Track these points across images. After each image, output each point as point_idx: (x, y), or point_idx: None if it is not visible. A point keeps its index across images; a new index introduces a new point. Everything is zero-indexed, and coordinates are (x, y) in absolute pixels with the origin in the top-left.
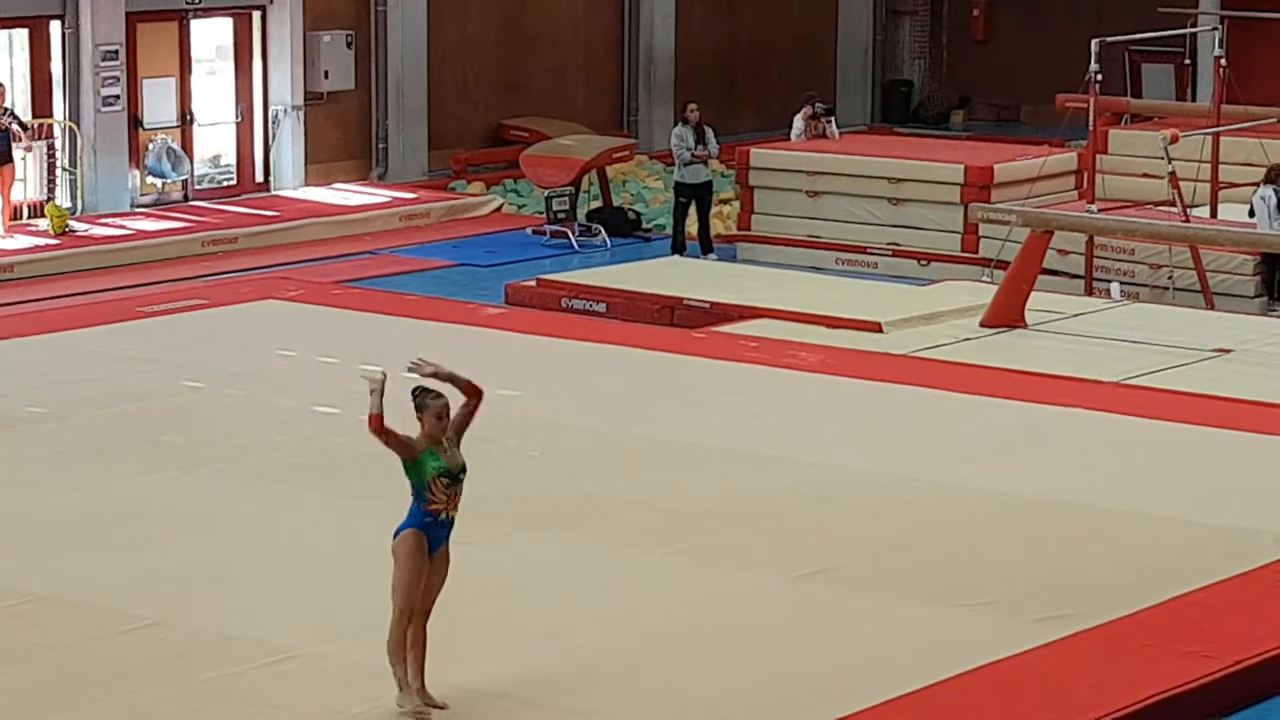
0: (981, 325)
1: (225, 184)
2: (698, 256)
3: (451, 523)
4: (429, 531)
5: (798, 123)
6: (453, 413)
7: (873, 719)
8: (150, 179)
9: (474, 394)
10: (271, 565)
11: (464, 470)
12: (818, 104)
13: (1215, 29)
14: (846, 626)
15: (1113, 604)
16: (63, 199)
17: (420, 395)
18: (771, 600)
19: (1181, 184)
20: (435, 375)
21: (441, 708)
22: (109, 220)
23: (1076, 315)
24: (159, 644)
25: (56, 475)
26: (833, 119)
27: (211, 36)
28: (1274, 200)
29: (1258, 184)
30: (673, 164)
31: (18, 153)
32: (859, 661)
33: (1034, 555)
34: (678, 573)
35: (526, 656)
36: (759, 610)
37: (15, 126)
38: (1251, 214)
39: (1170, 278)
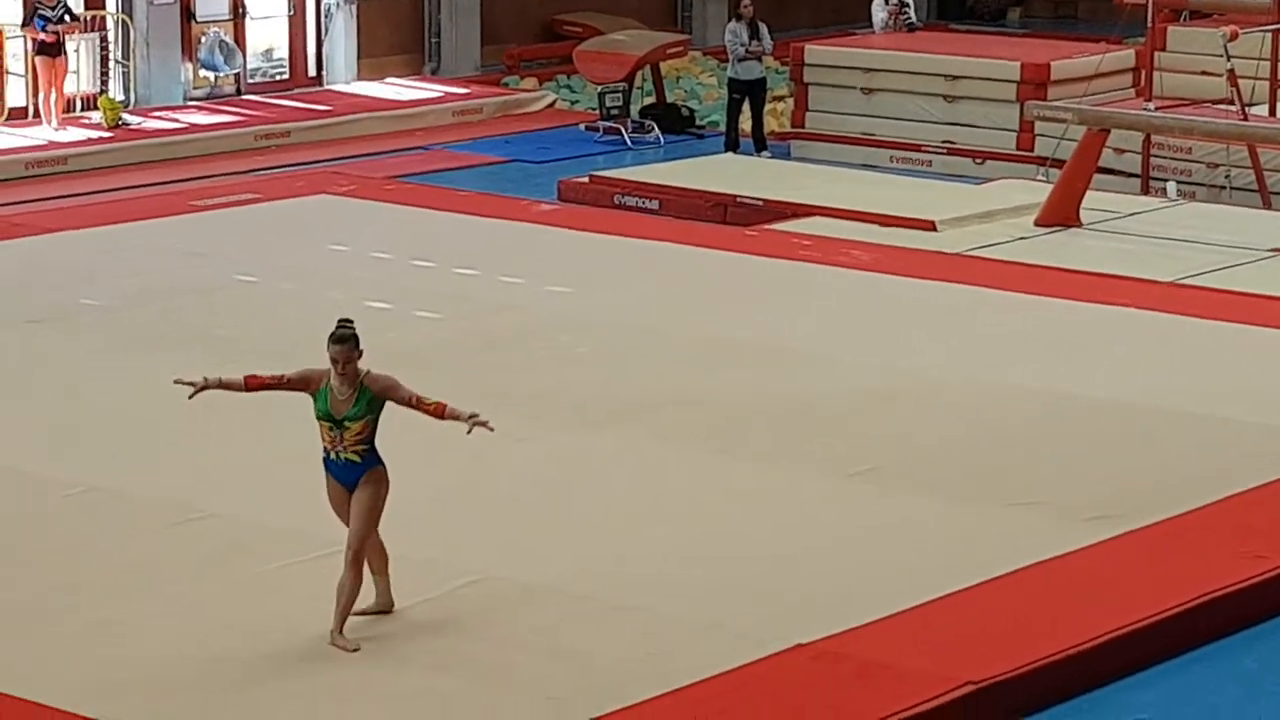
0: (1036, 224)
1: (277, 78)
2: (751, 154)
3: (351, 463)
4: (328, 469)
5: (878, 13)
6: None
7: (921, 616)
8: (203, 72)
9: (434, 413)
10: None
11: (355, 419)
12: None
13: None
14: (896, 525)
15: (1165, 504)
16: (115, 92)
17: (337, 327)
18: (821, 499)
19: (1240, 82)
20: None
21: (353, 650)
22: (161, 113)
23: (1132, 214)
24: (212, 536)
25: (110, 368)
26: (911, 6)
27: None
28: None
29: None
30: (726, 60)
31: (70, 44)
32: (908, 559)
33: (1086, 455)
34: (727, 470)
35: (571, 550)
36: (808, 508)
37: (66, 19)
38: None
39: (1227, 177)
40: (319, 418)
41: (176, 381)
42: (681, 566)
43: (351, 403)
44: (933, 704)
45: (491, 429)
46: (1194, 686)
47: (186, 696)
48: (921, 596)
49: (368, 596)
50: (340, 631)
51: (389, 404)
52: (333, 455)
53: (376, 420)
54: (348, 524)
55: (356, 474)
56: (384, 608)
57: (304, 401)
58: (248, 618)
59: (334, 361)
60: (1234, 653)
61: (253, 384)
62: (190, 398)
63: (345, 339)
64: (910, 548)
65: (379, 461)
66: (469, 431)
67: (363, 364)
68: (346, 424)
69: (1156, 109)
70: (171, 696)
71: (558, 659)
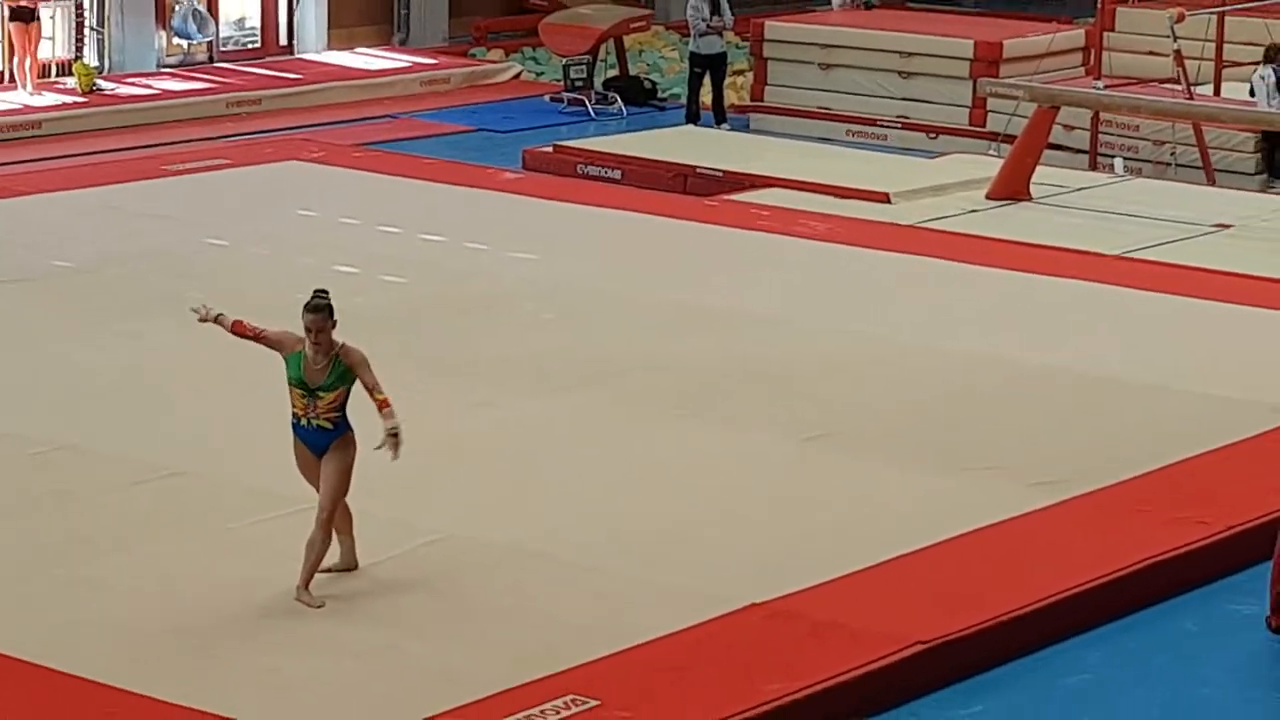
0: (987, 198)
1: (249, 46)
2: (711, 126)
3: (323, 429)
4: (298, 434)
5: None
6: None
7: (873, 577)
8: (176, 40)
9: (380, 406)
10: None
11: (329, 389)
12: None
13: None
14: (851, 488)
15: (1110, 470)
16: (90, 58)
17: (312, 297)
18: (778, 462)
19: (1186, 62)
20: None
21: (318, 606)
22: (135, 80)
23: (1080, 189)
24: (182, 494)
25: (82, 329)
26: None
27: None
28: (1273, 79)
29: (1259, 63)
30: (688, 35)
31: (45, 11)
32: (862, 522)
33: (1034, 422)
34: (688, 434)
35: (535, 511)
36: (765, 472)
37: None
38: (1251, 93)
39: (1173, 154)
40: (292, 384)
41: (194, 309)
42: (642, 527)
43: (326, 373)
44: (883, 663)
45: (395, 459)
46: (1136, 647)
47: (154, 650)
48: (873, 558)
49: (333, 555)
50: (306, 587)
51: None
52: (303, 421)
53: (349, 390)
54: (314, 486)
55: (327, 440)
56: (348, 566)
57: (273, 364)
58: (215, 573)
59: (308, 330)
60: (1175, 615)
61: (236, 329)
62: (198, 320)
63: (320, 308)
64: (863, 510)
65: (349, 427)
66: (377, 446)
67: (336, 334)
68: (320, 394)
69: (1105, 87)
70: (139, 650)
71: (520, 616)
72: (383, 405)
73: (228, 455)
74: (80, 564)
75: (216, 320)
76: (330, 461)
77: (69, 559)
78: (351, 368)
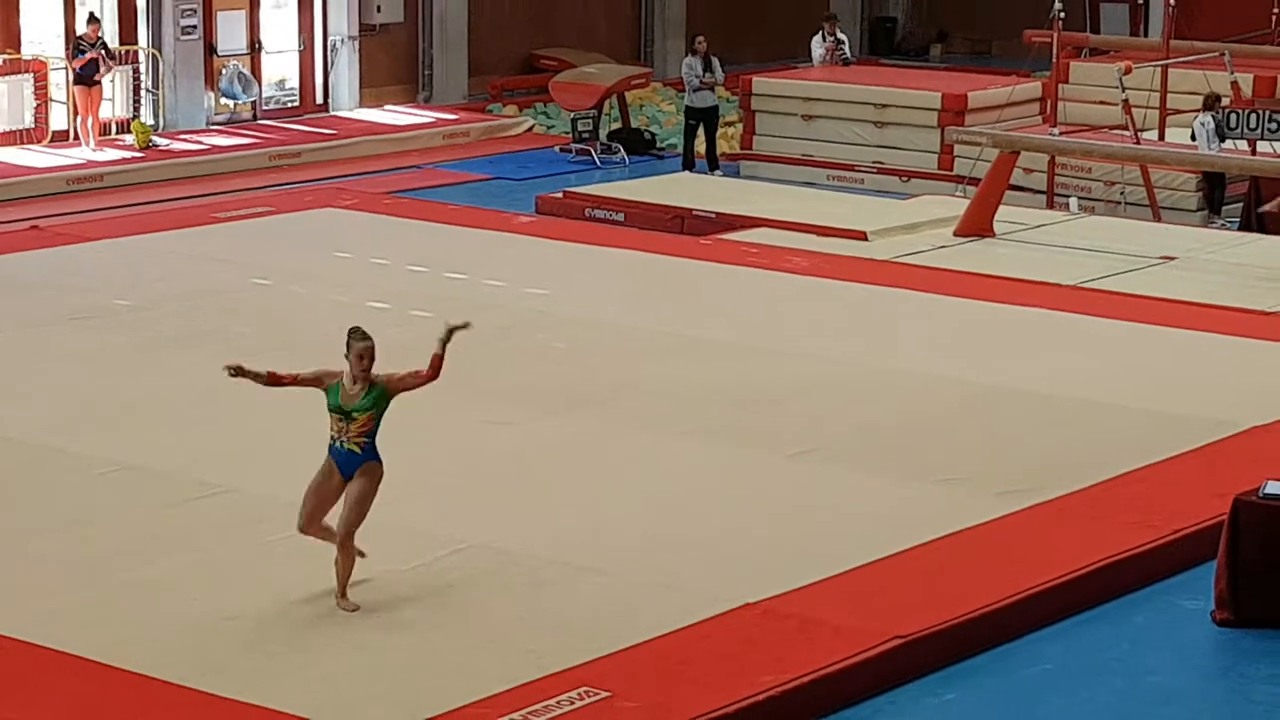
0: (955, 235)
1: (289, 105)
2: (705, 173)
3: (352, 453)
4: (332, 455)
5: (817, 49)
6: (395, 371)
7: (854, 579)
8: (223, 100)
9: (431, 373)
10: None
11: (362, 410)
12: (838, 32)
13: None
14: (834, 498)
15: (1066, 480)
16: (146, 117)
17: (349, 335)
18: (769, 474)
19: (1133, 110)
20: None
21: (353, 610)
22: (187, 136)
23: (1039, 226)
24: (230, 508)
25: (141, 360)
26: (845, 43)
27: None
28: (1211, 125)
29: (1199, 110)
30: (684, 90)
31: (107, 78)
32: (842, 528)
33: (998, 437)
34: (687, 449)
35: (548, 521)
36: (754, 483)
37: (103, 54)
38: (1193, 137)
39: (1122, 193)
40: (331, 410)
41: (227, 367)
42: (644, 534)
43: (360, 396)
44: (864, 655)
45: (469, 325)
46: (1092, 640)
47: (204, 648)
48: (854, 561)
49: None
50: (344, 595)
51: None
52: (338, 443)
53: (380, 415)
54: (315, 510)
55: (355, 464)
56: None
57: (314, 391)
58: (260, 581)
59: (359, 357)
60: (1128, 610)
61: (273, 380)
62: (229, 376)
63: (368, 336)
64: (844, 518)
65: (376, 456)
66: (445, 341)
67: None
68: (355, 415)
69: (1060, 134)
70: (190, 648)
71: (536, 617)
72: (435, 362)
73: (271, 473)
74: (138, 571)
75: (245, 374)
76: (353, 487)
77: (129, 566)
78: (389, 384)
